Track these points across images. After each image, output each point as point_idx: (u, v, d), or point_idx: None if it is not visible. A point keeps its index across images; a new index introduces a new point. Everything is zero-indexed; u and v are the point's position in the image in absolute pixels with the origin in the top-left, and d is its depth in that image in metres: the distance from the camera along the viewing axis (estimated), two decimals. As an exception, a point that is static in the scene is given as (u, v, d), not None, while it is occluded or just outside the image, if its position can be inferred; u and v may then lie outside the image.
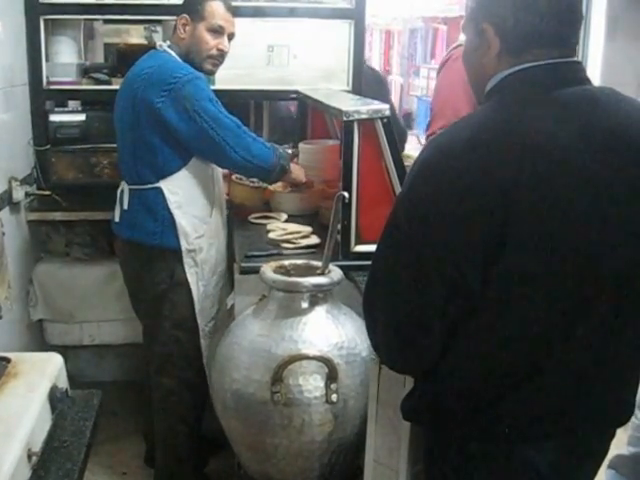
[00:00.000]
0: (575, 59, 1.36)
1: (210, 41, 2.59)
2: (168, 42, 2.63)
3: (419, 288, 1.27)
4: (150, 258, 2.59)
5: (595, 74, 3.49)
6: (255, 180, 2.98)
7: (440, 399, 1.37)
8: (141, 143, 2.52)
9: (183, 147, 2.53)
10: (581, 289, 1.26)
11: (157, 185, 2.54)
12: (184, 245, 2.57)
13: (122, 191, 2.64)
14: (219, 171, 2.77)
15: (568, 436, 1.37)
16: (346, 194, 2.19)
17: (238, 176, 3.00)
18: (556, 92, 1.29)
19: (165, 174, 2.54)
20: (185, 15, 2.59)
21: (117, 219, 2.66)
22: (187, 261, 2.59)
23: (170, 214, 2.55)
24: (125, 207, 2.61)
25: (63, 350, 2.71)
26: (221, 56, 2.64)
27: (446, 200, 1.23)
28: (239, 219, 2.94)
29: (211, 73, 2.72)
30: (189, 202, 2.59)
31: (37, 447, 1.37)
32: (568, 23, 1.32)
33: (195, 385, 2.69)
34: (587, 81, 1.34)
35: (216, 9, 2.60)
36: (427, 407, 1.40)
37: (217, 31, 2.60)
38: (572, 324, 1.27)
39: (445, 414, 1.38)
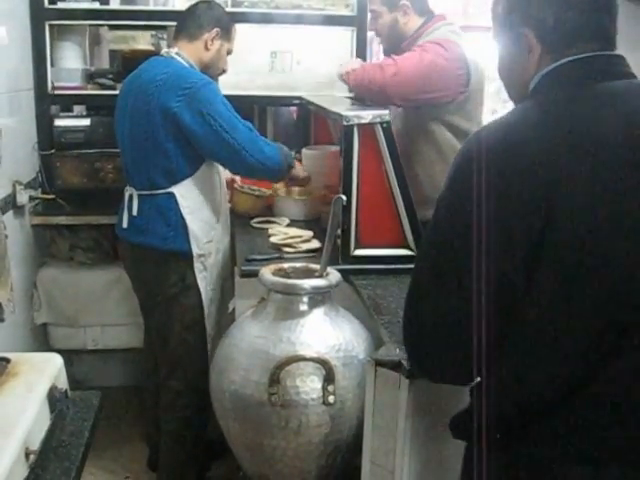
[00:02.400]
0: (617, 52, 1.30)
1: (226, 62, 2.74)
2: (176, 49, 2.65)
3: (462, 288, 1.21)
4: (162, 262, 2.61)
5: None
6: (256, 189, 3.02)
7: (489, 417, 1.27)
8: (155, 148, 2.53)
9: (196, 152, 2.56)
10: (629, 294, 1.17)
11: (170, 190, 2.56)
12: (195, 250, 2.59)
13: (130, 197, 2.64)
14: (223, 177, 2.80)
15: (633, 458, 1.20)
16: (344, 197, 2.19)
17: (241, 184, 3.03)
18: (598, 85, 1.24)
19: (177, 179, 2.56)
20: (217, 29, 2.65)
21: (125, 225, 2.66)
22: (197, 266, 2.61)
23: (182, 219, 2.57)
24: (135, 213, 2.62)
25: (67, 354, 2.71)
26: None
27: (484, 198, 1.18)
28: (241, 223, 2.96)
29: None
30: (199, 207, 2.62)
31: (35, 446, 1.37)
32: (607, 13, 1.28)
33: (203, 389, 2.70)
34: (631, 75, 1.28)
35: (235, 34, 2.75)
36: (475, 424, 1.30)
37: (229, 53, 2.74)
38: (623, 329, 1.17)
39: (489, 433, 1.27)
